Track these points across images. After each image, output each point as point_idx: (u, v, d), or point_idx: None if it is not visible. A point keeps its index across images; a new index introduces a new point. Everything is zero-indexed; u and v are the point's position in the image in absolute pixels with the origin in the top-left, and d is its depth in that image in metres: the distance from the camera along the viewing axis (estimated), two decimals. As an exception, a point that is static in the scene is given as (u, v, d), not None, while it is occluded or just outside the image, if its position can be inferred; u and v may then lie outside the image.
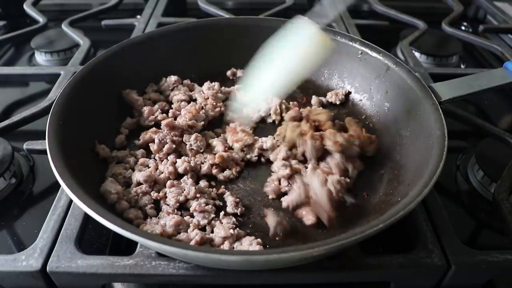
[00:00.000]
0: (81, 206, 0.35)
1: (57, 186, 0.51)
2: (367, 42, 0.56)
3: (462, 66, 0.80)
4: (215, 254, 0.33)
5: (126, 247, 0.42)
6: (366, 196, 0.46)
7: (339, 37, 0.58)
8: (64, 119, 0.45)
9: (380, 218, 0.35)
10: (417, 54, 0.77)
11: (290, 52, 0.46)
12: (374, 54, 0.55)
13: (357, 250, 0.39)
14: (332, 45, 0.46)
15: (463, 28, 0.96)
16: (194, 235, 0.40)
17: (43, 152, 0.50)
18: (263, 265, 0.36)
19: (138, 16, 0.89)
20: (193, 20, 0.66)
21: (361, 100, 0.58)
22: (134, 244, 0.39)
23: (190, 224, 0.42)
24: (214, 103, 0.57)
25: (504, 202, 0.44)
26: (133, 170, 0.48)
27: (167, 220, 0.41)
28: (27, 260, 0.37)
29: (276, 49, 0.47)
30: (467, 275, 0.40)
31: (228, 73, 0.64)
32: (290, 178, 0.47)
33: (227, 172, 0.49)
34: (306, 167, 0.48)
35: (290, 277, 0.38)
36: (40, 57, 0.78)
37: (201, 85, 0.61)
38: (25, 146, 0.51)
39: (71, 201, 0.43)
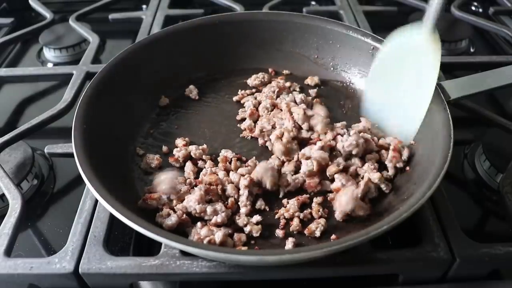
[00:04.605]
0: (114, 212, 0.37)
1: (78, 183, 0.54)
2: (378, 37, 0.57)
3: (472, 50, 0.79)
4: (234, 254, 0.37)
5: (149, 245, 0.45)
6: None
7: (351, 31, 0.58)
8: (87, 122, 0.46)
9: (385, 220, 0.37)
10: (425, 40, 0.76)
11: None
12: (385, 50, 0.55)
13: (368, 245, 0.41)
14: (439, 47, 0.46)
15: (473, 8, 0.94)
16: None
17: (64, 155, 0.52)
18: (277, 263, 0.39)
19: (144, 6, 0.89)
20: (210, 16, 0.65)
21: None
22: (157, 241, 0.41)
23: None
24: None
25: (509, 195, 0.45)
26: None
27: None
28: (61, 263, 0.40)
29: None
30: (471, 267, 0.42)
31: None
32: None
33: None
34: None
35: (305, 272, 0.41)
36: (49, 54, 0.79)
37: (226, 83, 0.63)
38: (46, 150, 0.52)
39: (95, 204, 0.46)
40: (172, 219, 0.43)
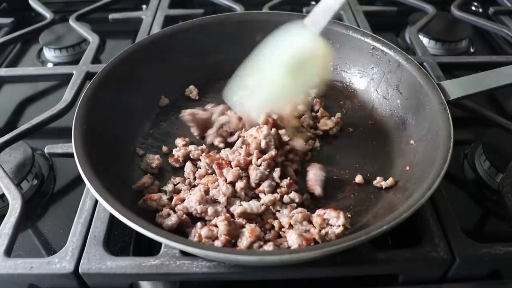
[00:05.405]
0: (114, 213, 0.37)
1: (78, 183, 0.54)
2: (378, 37, 0.57)
3: (472, 50, 0.80)
4: (234, 254, 0.37)
5: (149, 245, 0.45)
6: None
7: (351, 31, 0.58)
8: (87, 122, 0.46)
9: (385, 220, 0.37)
10: (425, 40, 0.77)
11: (289, 59, 0.45)
12: (385, 50, 0.55)
13: (368, 245, 0.41)
14: (330, 53, 0.45)
15: (473, 8, 0.94)
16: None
17: (64, 155, 0.52)
18: (277, 263, 0.39)
19: (144, 6, 0.89)
20: (210, 16, 0.65)
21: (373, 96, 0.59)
22: (157, 241, 0.41)
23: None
24: None
25: (509, 195, 0.45)
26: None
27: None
28: (61, 263, 0.40)
29: (273, 54, 0.47)
30: (471, 267, 0.42)
31: None
32: None
33: None
34: None
35: (305, 272, 0.41)
36: (49, 54, 0.79)
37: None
38: (46, 150, 0.52)
39: (95, 204, 0.46)
40: (172, 219, 0.43)
